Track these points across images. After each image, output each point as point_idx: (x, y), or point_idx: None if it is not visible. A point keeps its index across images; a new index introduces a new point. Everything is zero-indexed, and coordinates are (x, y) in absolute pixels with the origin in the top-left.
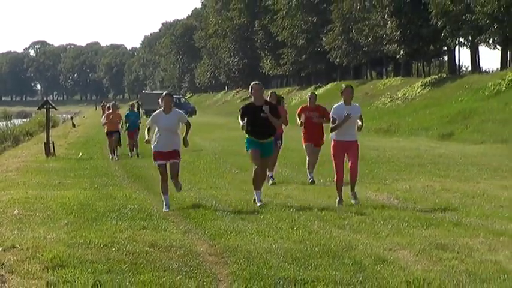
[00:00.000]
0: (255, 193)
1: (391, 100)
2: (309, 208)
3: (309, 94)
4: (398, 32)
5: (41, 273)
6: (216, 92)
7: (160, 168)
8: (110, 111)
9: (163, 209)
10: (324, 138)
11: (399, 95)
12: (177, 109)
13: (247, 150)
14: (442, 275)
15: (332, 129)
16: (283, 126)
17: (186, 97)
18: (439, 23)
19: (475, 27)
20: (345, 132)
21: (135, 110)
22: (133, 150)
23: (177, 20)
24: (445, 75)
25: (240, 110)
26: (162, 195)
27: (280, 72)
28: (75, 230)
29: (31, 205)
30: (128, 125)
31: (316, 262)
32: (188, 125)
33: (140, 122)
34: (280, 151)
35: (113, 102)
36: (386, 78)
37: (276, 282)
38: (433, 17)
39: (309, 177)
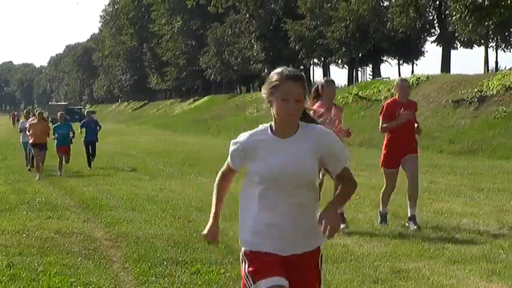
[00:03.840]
0: None
1: (257, 110)
2: (189, 200)
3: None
4: (263, 54)
5: None
6: (111, 103)
7: None
8: (36, 121)
9: None
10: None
11: (264, 106)
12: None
13: None
14: None
15: None
16: None
17: (86, 108)
18: (297, 47)
19: (327, 50)
20: None
21: (64, 121)
22: (61, 170)
23: (78, 42)
24: None
25: None
26: None
27: (165, 87)
28: None
29: None
30: (55, 139)
31: (194, 246)
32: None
33: (73, 137)
34: None
35: (38, 110)
36: (253, 92)
37: (160, 262)
38: (292, 41)
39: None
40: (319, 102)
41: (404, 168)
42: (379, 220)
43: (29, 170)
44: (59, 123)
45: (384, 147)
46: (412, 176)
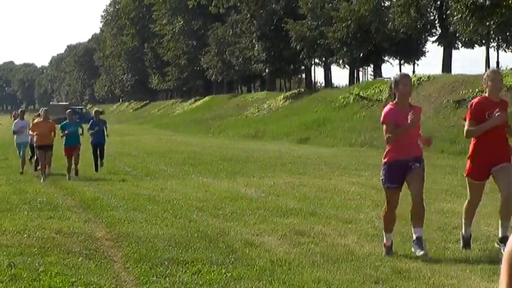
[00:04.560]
0: None
1: (258, 110)
2: (190, 200)
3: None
4: (264, 54)
5: None
6: (112, 103)
7: None
8: (40, 119)
9: None
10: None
11: (265, 106)
12: None
13: None
14: (300, 256)
15: None
16: None
17: (87, 108)
18: (298, 47)
19: (328, 50)
20: None
21: (74, 119)
22: (69, 172)
23: (80, 42)
24: (302, 90)
25: None
26: None
27: (166, 87)
28: None
29: None
30: (64, 139)
31: (195, 246)
32: None
33: (82, 135)
34: None
35: (45, 108)
36: (254, 92)
37: (161, 262)
38: (293, 41)
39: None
40: (390, 103)
41: (496, 180)
42: (462, 244)
43: (35, 170)
44: (66, 121)
45: (468, 156)
46: (507, 193)
